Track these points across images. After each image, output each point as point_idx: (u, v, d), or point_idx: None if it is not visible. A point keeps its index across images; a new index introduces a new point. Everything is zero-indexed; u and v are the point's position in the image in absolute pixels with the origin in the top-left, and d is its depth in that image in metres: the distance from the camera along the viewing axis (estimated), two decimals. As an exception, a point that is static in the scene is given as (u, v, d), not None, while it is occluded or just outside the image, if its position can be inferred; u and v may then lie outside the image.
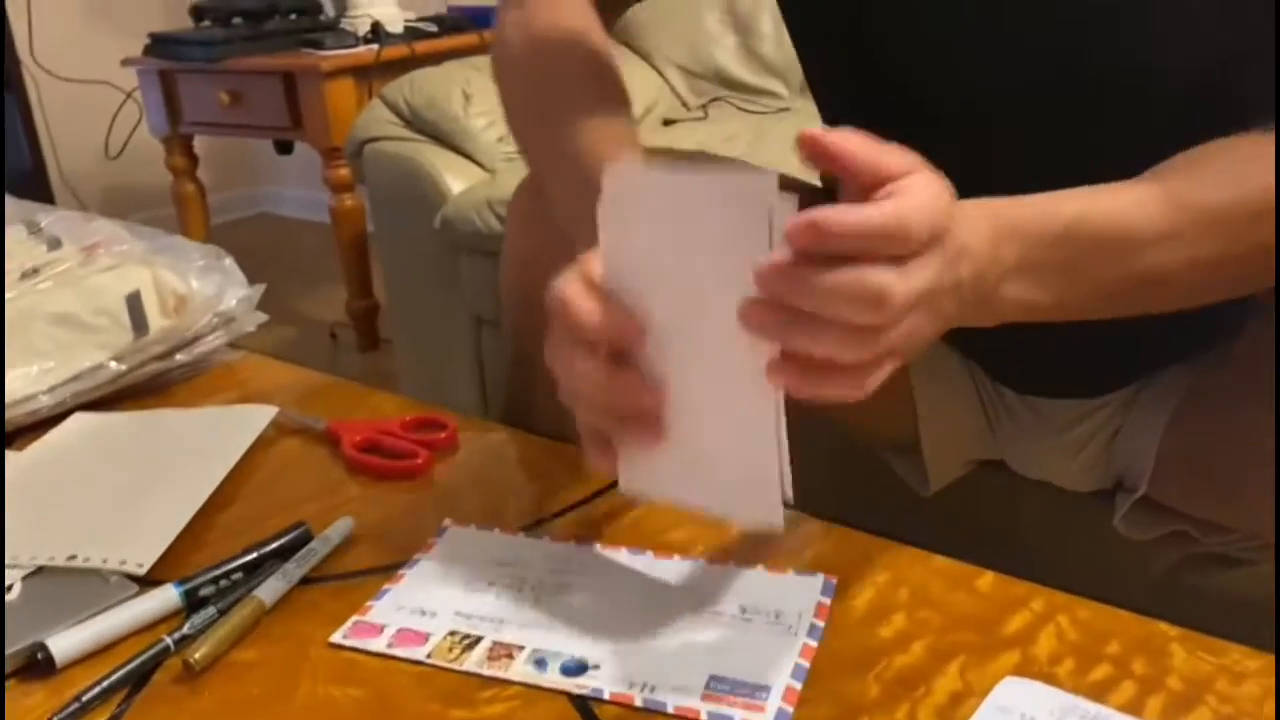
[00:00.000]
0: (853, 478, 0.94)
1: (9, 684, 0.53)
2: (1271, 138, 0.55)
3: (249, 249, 3.03)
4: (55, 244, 0.85)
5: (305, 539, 0.62)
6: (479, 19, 2.27)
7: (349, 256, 2.09)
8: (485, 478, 0.72)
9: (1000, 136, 0.64)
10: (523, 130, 0.74)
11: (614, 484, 0.55)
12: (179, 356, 0.86)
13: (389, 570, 0.60)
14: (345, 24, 2.20)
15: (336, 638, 0.54)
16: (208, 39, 2.06)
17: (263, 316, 0.91)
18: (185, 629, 0.55)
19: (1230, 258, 0.54)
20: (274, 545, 0.61)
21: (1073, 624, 0.52)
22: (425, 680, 0.51)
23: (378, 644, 0.53)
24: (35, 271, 0.82)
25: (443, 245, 1.47)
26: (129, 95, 2.47)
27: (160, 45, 2.16)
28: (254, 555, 0.60)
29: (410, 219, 1.53)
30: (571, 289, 0.51)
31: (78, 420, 0.79)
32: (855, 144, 0.45)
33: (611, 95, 0.69)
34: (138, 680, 0.53)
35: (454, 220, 1.44)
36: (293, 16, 2.21)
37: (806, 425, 0.53)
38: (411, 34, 2.13)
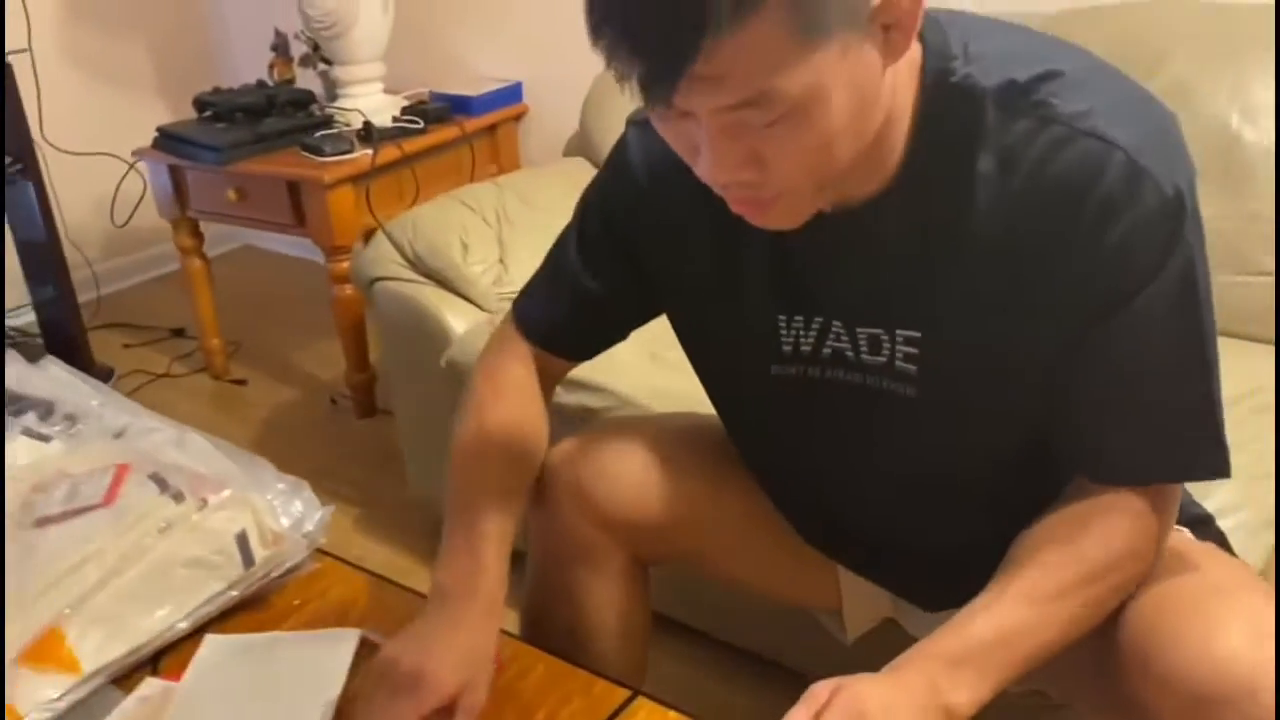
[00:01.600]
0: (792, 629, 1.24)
1: None
2: (1100, 498, 0.83)
3: (242, 294, 3.31)
4: (180, 498, 1.10)
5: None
6: (459, 106, 2.49)
7: (349, 338, 2.33)
8: (520, 702, 0.99)
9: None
10: (453, 491, 1.06)
11: None
12: (274, 574, 1.13)
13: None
14: (337, 116, 2.42)
15: None
16: (216, 143, 2.27)
17: (324, 540, 1.17)
18: None
19: (1093, 603, 0.83)
20: (384, 779, 0.89)
21: None
22: None
23: None
24: (170, 526, 1.07)
25: (450, 378, 1.73)
26: (131, 166, 2.67)
27: (169, 141, 2.36)
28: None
29: (419, 351, 1.78)
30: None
31: (211, 645, 1.05)
32: None
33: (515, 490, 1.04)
34: None
35: (459, 363, 1.69)
36: (289, 108, 2.41)
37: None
38: (400, 131, 2.34)
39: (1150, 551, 0.86)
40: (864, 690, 0.77)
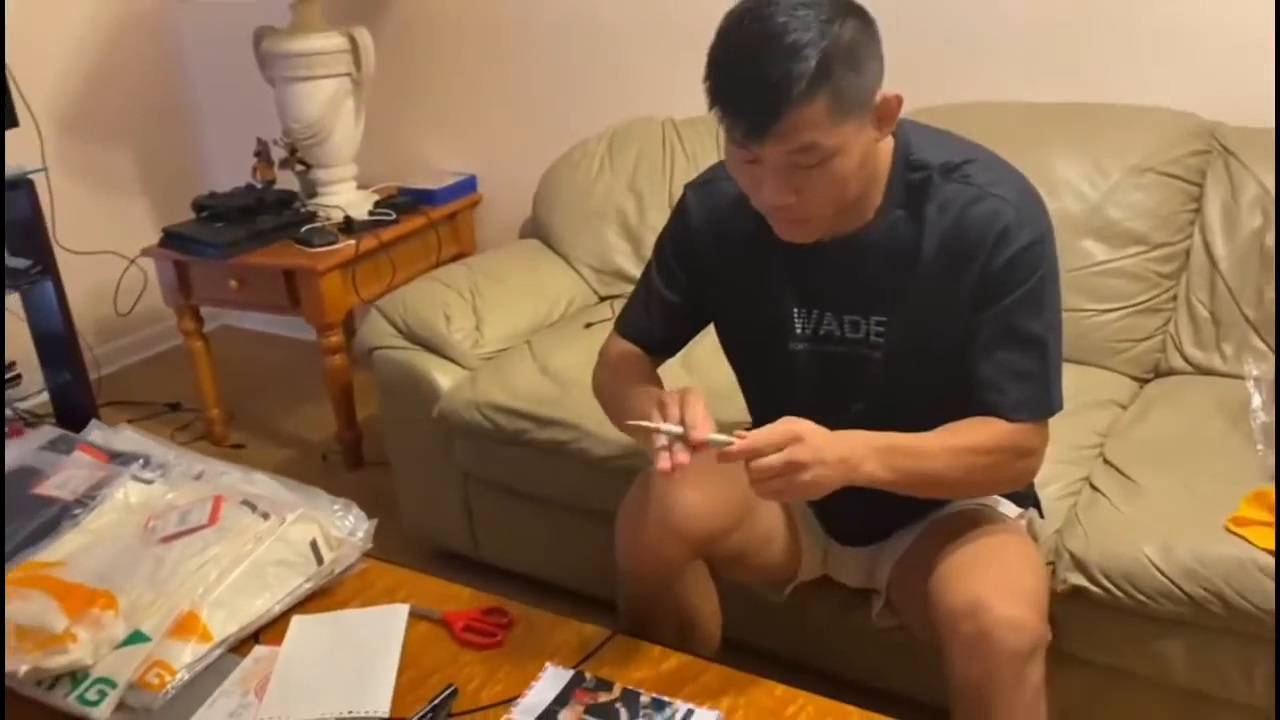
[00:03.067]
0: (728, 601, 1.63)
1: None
2: (990, 422, 1.28)
3: (234, 369, 3.69)
4: (266, 516, 1.48)
5: (454, 692, 1.28)
6: (423, 198, 2.90)
7: (338, 400, 2.70)
8: (530, 648, 1.37)
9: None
10: (610, 410, 1.46)
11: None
12: (337, 571, 1.50)
13: (496, 706, 1.26)
14: (320, 211, 2.81)
15: None
16: (218, 241, 2.64)
17: (370, 545, 1.55)
18: (421, 744, 1.21)
19: (974, 468, 1.27)
20: (442, 697, 1.27)
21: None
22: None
23: None
24: (261, 538, 1.45)
25: (440, 427, 2.12)
26: (132, 261, 3.03)
27: (175, 240, 2.73)
28: (432, 706, 1.26)
29: (413, 406, 2.17)
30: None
31: (299, 623, 1.43)
32: (753, 438, 1.16)
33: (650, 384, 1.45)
34: (407, 770, 1.18)
35: (448, 414, 2.09)
36: (276, 206, 2.80)
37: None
38: (376, 223, 2.74)
39: (1017, 456, 1.31)
40: (810, 435, 1.17)
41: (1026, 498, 1.51)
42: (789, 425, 1.17)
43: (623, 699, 1.25)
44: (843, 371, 1.37)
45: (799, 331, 1.38)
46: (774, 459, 1.15)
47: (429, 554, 2.33)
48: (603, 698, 1.26)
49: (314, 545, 1.48)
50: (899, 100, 1.20)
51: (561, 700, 1.25)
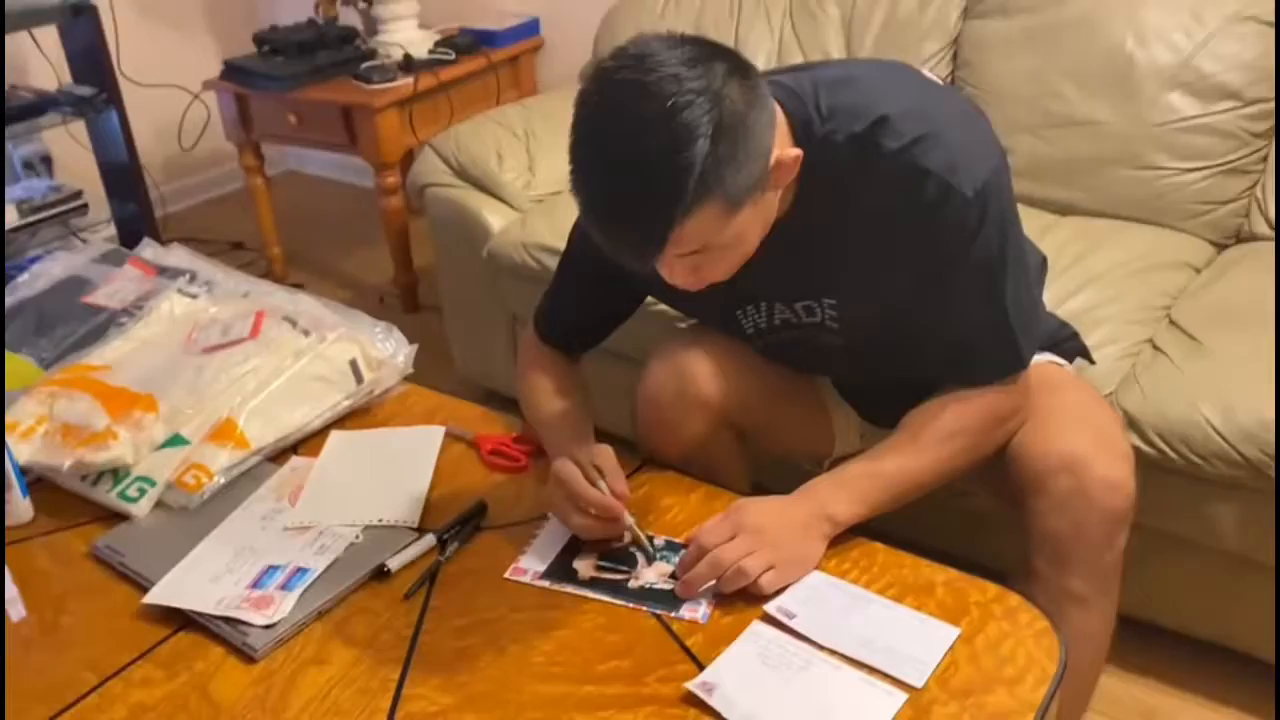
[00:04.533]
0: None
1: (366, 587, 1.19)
2: (958, 398, 1.19)
3: (296, 213, 3.72)
4: (306, 333, 1.48)
5: (484, 508, 1.29)
6: (485, 40, 2.83)
7: (395, 243, 2.70)
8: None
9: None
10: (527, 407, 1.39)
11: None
12: (376, 391, 1.51)
13: (520, 524, 1.26)
14: (380, 49, 2.76)
15: (506, 575, 1.20)
16: (278, 74, 2.62)
17: (411, 370, 1.54)
18: (446, 555, 1.22)
19: (947, 456, 1.19)
20: (470, 512, 1.28)
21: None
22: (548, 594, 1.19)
23: (526, 579, 1.19)
24: (301, 353, 1.45)
25: (489, 267, 2.10)
26: (196, 96, 3.02)
27: (236, 73, 2.71)
28: (462, 518, 1.27)
29: (463, 246, 2.15)
30: (570, 474, 1.18)
31: (336, 437, 1.44)
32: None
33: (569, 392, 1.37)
34: (430, 579, 1.19)
35: (497, 254, 2.07)
36: (337, 43, 2.75)
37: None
38: (436, 62, 2.69)
39: (996, 424, 1.20)
40: (751, 507, 1.15)
41: (1070, 347, 1.41)
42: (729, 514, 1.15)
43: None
44: (810, 353, 1.30)
45: (749, 331, 1.30)
46: (717, 556, 1.11)
47: (478, 398, 2.34)
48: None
49: (354, 364, 1.48)
50: (796, 159, 1.05)
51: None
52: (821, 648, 1.06)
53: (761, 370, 1.37)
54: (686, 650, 1.08)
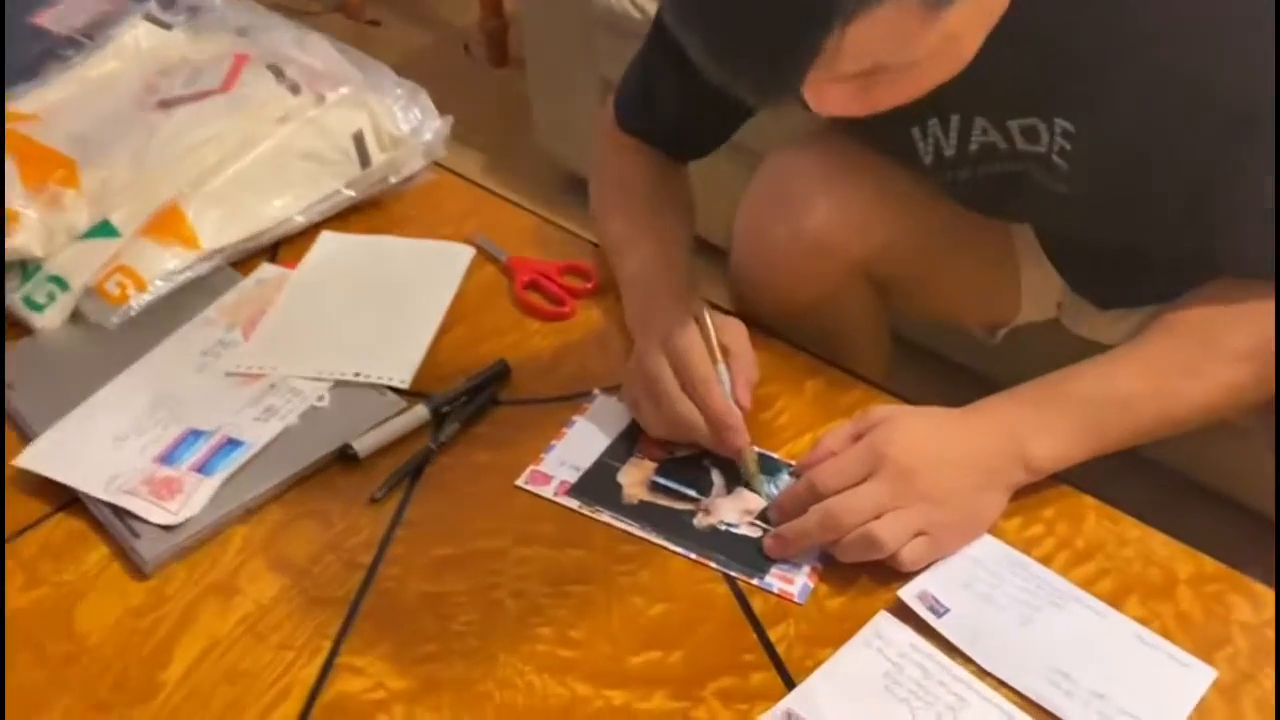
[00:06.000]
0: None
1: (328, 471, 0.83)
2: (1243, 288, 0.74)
3: None
4: (297, 90, 1.07)
5: (505, 371, 0.90)
6: None
7: (484, -21, 2.22)
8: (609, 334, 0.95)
9: None
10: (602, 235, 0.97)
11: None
12: (391, 179, 1.10)
13: (554, 401, 0.87)
14: None
15: (519, 483, 0.81)
16: None
17: (443, 152, 1.12)
18: (442, 438, 0.84)
19: (1223, 387, 0.74)
20: (485, 376, 0.89)
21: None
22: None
23: (547, 491, 0.80)
24: (286, 117, 1.05)
25: (582, 22, 1.64)
26: None
27: None
28: (472, 384, 0.88)
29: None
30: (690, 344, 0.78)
31: (326, 240, 1.05)
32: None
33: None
34: (413, 475, 0.82)
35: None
36: None
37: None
38: None
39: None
40: (902, 427, 0.73)
41: None
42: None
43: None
44: (1011, 198, 0.85)
45: (927, 159, 0.86)
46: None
47: (558, 182, 1.92)
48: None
49: (359, 139, 1.07)
50: None
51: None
52: (985, 674, 0.67)
53: (924, 203, 0.92)
54: (769, 648, 0.70)
